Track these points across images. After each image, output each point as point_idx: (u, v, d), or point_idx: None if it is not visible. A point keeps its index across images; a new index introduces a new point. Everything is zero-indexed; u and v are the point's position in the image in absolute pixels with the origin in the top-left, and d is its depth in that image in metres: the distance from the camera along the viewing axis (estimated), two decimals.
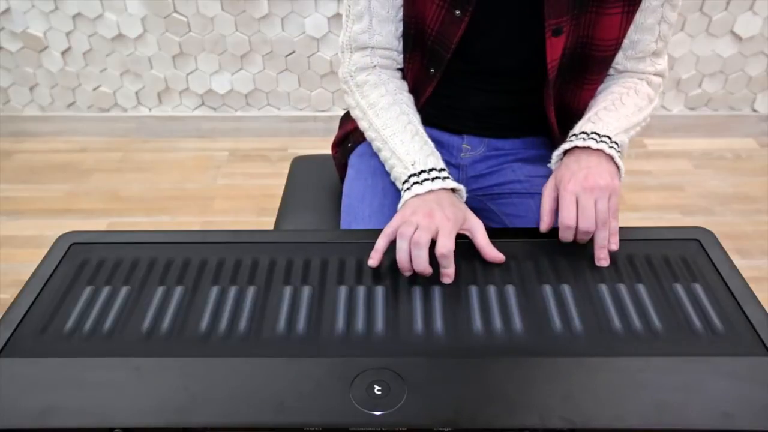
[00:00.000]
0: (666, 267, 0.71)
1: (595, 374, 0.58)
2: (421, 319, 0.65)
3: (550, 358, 0.60)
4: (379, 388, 0.56)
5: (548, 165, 0.84)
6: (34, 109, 2.23)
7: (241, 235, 0.77)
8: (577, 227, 0.72)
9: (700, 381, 0.57)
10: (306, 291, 0.69)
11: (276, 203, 1.16)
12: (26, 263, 1.73)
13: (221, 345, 0.62)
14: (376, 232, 0.82)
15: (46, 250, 0.75)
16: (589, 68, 0.86)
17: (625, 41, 0.84)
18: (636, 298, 0.67)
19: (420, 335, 0.63)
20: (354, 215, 0.91)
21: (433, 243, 0.70)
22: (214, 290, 0.69)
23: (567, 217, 0.72)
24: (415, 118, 0.86)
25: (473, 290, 0.69)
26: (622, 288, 0.68)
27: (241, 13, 1.99)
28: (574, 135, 0.79)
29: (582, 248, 0.73)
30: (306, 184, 1.17)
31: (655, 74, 0.88)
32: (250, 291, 0.69)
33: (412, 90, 0.91)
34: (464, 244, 0.73)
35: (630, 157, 2.12)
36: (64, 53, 2.08)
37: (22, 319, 0.65)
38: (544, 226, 0.75)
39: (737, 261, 0.76)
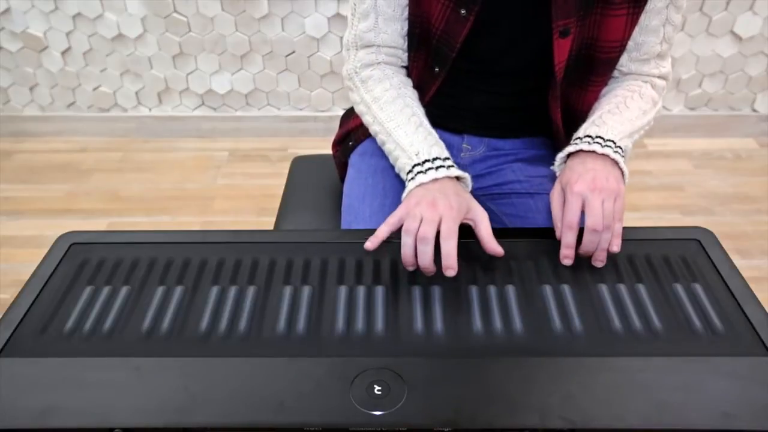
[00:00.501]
0: (666, 267, 0.71)
1: (595, 374, 0.58)
2: (421, 319, 0.65)
3: (550, 358, 0.60)
4: (379, 388, 0.56)
5: (551, 167, 0.84)
6: (34, 109, 2.23)
7: (241, 235, 0.77)
8: (585, 227, 0.71)
9: (700, 381, 0.57)
10: (306, 291, 0.69)
11: (276, 203, 1.16)
12: (26, 263, 1.73)
13: (221, 345, 0.62)
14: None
15: (46, 250, 0.75)
16: (594, 70, 0.86)
17: (630, 43, 0.84)
18: (636, 298, 0.67)
19: (420, 335, 0.63)
20: (355, 215, 0.91)
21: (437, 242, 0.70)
22: (214, 290, 0.69)
23: (571, 218, 0.72)
24: (420, 110, 0.86)
25: (473, 290, 0.69)
26: (622, 288, 0.68)
27: (241, 13, 1.99)
28: (579, 138, 0.79)
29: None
30: (306, 184, 1.17)
31: (659, 77, 0.88)
32: (250, 291, 0.69)
33: (416, 89, 0.91)
34: (464, 245, 0.73)
35: (630, 157, 2.12)
36: (64, 53, 2.08)
37: (22, 319, 0.65)
38: (559, 233, 0.74)
39: (737, 261, 0.76)
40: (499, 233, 0.75)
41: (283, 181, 1.20)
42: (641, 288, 0.68)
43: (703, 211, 1.90)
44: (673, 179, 2.03)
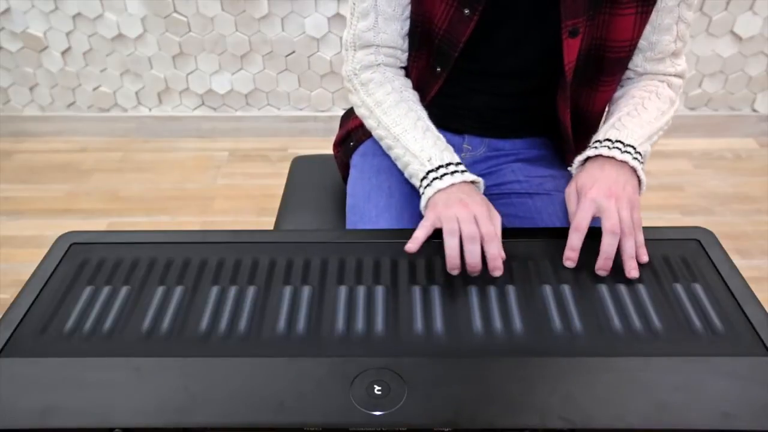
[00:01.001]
0: (666, 267, 0.71)
1: (595, 374, 0.58)
2: (421, 319, 0.65)
3: (550, 358, 0.60)
4: (379, 388, 0.56)
5: (556, 169, 0.83)
6: (34, 109, 2.23)
7: (241, 235, 0.77)
8: (602, 231, 0.71)
9: (700, 381, 0.57)
10: (306, 291, 0.69)
11: (276, 203, 1.16)
12: (26, 263, 1.73)
13: (221, 345, 0.62)
14: (378, 232, 0.82)
15: (46, 250, 0.75)
16: (603, 70, 0.85)
17: (644, 43, 0.84)
18: (636, 298, 0.67)
19: (420, 335, 0.63)
20: (360, 215, 0.90)
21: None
22: (214, 290, 0.69)
23: (579, 221, 0.71)
24: (423, 114, 0.86)
25: (473, 290, 0.69)
26: (622, 288, 0.68)
27: (241, 13, 1.99)
28: (598, 141, 0.78)
29: (582, 248, 0.73)
30: (306, 184, 1.17)
31: (675, 75, 0.87)
32: (250, 291, 0.69)
33: (417, 89, 0.91)
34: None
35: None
36: (64, 53, 2.08)
37: (22, 319, 0.65)
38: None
39: (737, 261, 0.76)
40: None
41: (283, 181, 1.20)
42: (641, 288, 0.68)
43: (703, 211, 1.90)
44: (673, 179, 2.03)
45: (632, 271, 0.69)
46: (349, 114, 1.05)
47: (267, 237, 0.77)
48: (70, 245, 0.76)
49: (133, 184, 2.04)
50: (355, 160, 1.01)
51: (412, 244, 0.71)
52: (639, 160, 0.75)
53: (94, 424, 0.54)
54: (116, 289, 0.69)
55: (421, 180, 0.78)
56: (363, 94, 0.88)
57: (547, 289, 0.68)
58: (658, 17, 0.81)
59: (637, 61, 0.86)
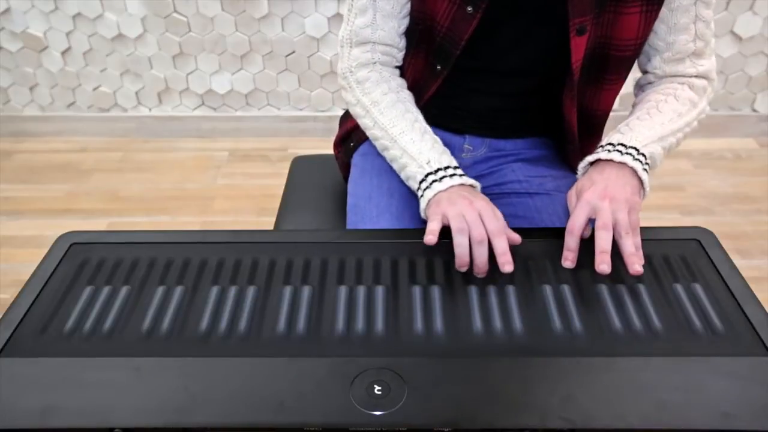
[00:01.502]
0: (666, 267, 0.71)
1: (595, 374, 0.58)
2: (421, 319, 0.65)
3: (550, 358, 0.60)
4: (379, 388, 0.56)
5: (557, 169, 0.83)
6: (34, 109, 2.23)
7: (241, 235, 0.77)
8: (595, 228, 0.71)
9: (700, 381, 0.57)
10: (306, 291, 0.69)
11: (276, 203, 1.16)
12: (26, 263, 1.73)
13: (221, 345, 0.62)
14: (378, 232, 0.82)
15: (46, 250, 0.75)
16: (609, 68, 0.84)
17: (660, 44, 0.82)
18: (636, 298, 0.67)
19: (420, 335, 0.63)
20: (361, 215, 0.90)
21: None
22: (214, 290, 0.69)
23: (572, 224, 0.71)
24: (420, 115, 0.86)
25: (473, 290, 0.69)
26: (622, 288, 0.68)
27: (241, 13, 1.99)
28: (601, 146, 0.78)
29: (582, 249, 0.73)
30: (306, 184, 1.17)
31: (696, 76, 0.84)
32: (250, 291, 0.69)
33: (414, 88, 0.91)
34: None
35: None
36: (64, 53, 2.08)
37: (22, 319, 0.65)
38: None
39: (737, 261, 0.76)
40: None
41: (283, 181, 1.20)
42: (641, 288, 0.68)
43: (703, 211, 1.90)
44: (673, 179, 2.03)
45: (635, 266, 0.67)
46: (349, 113, 1.05)
47: (267, 237, 0.77)
48: (70, 245, 0.76)
49: (133, 184, 2.04)
50: (356, 159, 1.01)
51: (432, 236, 0.70)
52: (641, 162, 0.75)
53: (94, 424, 0.54)
54: (116, 289, 0.69)
55: (420, 182, 0.78)
56: (358, 93, 0.88)
57: (547, 289, 0.68)
58: (673, 17, 0.80)
59: (656, 63, 0.84)
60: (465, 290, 0.69)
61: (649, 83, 0.88)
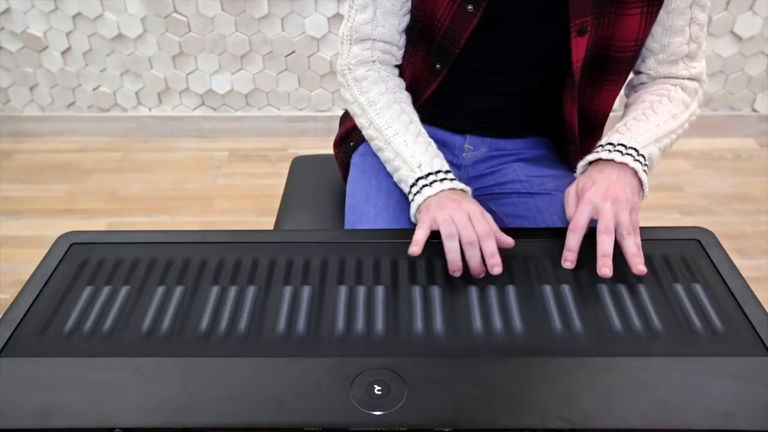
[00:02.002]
0: (666, 267, 0.71)
1: (595, 374, 0.58)
2: (421, 319, 0.65)
3: (550, 358, 0.60)
4: (379, 388, 0.56)
5: (557, 169, 0.83)
6: (34, 109, 2.23)
7: (241, 235, 0.77)
8: (597, 231, 0.70)
9: (700, 381, 0.57)
10: (306, 291, 0.69)
11: (276, 203, 1.16)
12: (26, 263, 1.73)
13: (221, 345, 0.62)
14: (378, 232, 0.82)
15: (46, 250, 0.75)
16: (609, 69, 0.85)
17: (656, 45, 0.83)
18: (636, 298, 0.67)
19: (420, 335, 0.63)
20: (359, 215, 0.90)
21: None
22: (214, 290, 0.69)
23: (575, 222, 0.71)
24: (416, 117, 0.86)
25: (473, 290, 0.69)
26: (622, 288, 0.68)
27: (241, 13, 1.99)
28: (601, 146, 0.78)
29: (582, 249, 0.73)
30: (306, 184, 1.17)
31: (689, 78, 0.85)
32: (250, 291, 0.69)
33: (413, 87, 0.91)
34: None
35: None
36: (64, 53, 2.08)
37: (22, 319, 0.65)
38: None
39: (737, 261, 0.76)
40: None
41: (283, 181, 1.20)
42: (641, 288, 0.68)
43: (703, 211, 1.90)
44: (673, 179, 2.03)
45: (639, 266, 0.67)
46: (348, 113, 1.05)
47: (267, 237, 0.77)
48: (70, 245, 0.76)
49: (133, 184, 2.04)
50: (356, 159, 1.01)
51: (416, 247, 0.71)
52: (641, 163, 0.75)
53: (94, 424, 0.54)
54: (116, 289, 0.69)
55: (411, 186, 0.79)
56: (356, 92, 0.88)
57: (547, 289, 0.68)
58: (669, 19, 0.80)
59: (650, 64, 0.85)
60: (465, 290, 0.69)
61: (642, 84, 0.88)
